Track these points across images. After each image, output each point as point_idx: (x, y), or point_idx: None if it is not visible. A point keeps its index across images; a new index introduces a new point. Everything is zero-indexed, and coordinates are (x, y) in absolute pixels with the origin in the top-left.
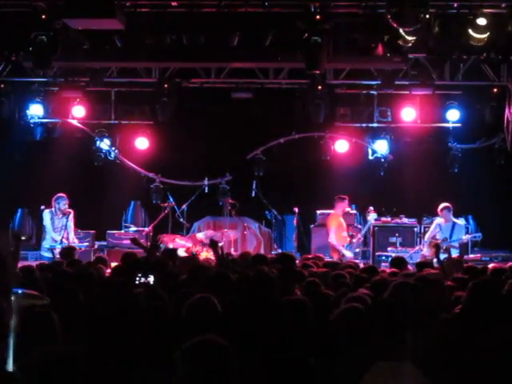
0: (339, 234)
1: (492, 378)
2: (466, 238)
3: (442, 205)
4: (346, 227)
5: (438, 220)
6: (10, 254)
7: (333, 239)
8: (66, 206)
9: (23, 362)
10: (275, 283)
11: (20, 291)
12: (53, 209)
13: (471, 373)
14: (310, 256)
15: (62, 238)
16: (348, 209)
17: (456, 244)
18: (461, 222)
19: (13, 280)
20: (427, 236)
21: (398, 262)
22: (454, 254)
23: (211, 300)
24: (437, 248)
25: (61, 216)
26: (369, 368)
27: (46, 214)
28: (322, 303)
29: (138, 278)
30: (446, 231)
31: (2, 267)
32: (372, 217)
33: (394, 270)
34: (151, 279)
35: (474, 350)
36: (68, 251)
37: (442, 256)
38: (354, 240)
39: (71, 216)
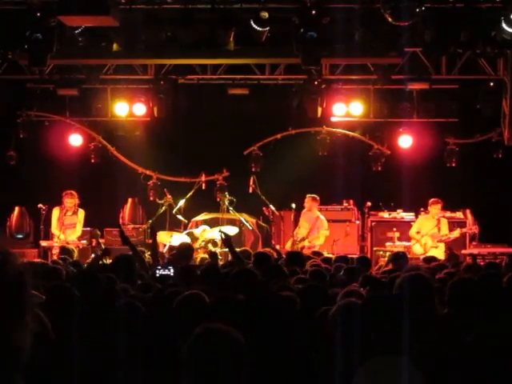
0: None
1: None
2: (453, 234)
3: (431, 200)
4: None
5: (423, 215)
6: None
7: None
8: (69, 204)
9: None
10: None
11: None
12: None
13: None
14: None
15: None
16: (346, 204)
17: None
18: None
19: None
20: (411, 231)
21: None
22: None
23: (200, 295)
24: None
25: (71, 213)
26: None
27: (55, 211)
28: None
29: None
30: (430, 227)
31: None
32: None
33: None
34: (171, 271)
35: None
36: (65, 250)
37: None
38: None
39: (81, 215)
